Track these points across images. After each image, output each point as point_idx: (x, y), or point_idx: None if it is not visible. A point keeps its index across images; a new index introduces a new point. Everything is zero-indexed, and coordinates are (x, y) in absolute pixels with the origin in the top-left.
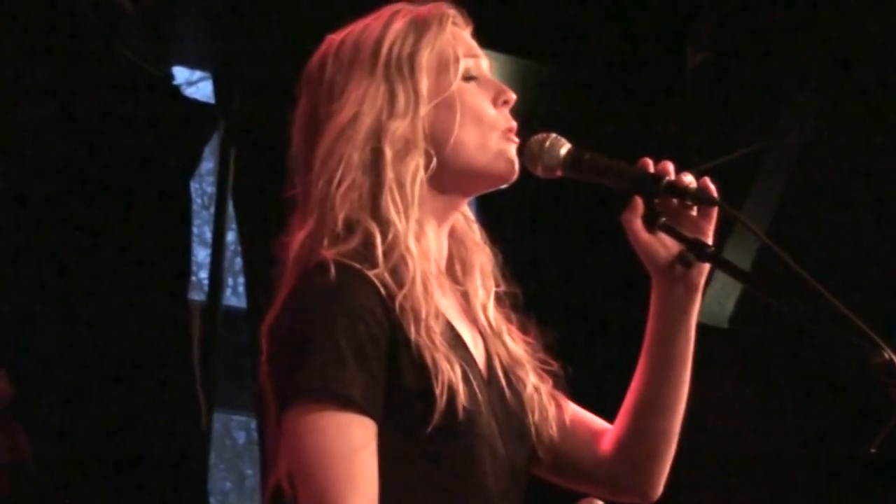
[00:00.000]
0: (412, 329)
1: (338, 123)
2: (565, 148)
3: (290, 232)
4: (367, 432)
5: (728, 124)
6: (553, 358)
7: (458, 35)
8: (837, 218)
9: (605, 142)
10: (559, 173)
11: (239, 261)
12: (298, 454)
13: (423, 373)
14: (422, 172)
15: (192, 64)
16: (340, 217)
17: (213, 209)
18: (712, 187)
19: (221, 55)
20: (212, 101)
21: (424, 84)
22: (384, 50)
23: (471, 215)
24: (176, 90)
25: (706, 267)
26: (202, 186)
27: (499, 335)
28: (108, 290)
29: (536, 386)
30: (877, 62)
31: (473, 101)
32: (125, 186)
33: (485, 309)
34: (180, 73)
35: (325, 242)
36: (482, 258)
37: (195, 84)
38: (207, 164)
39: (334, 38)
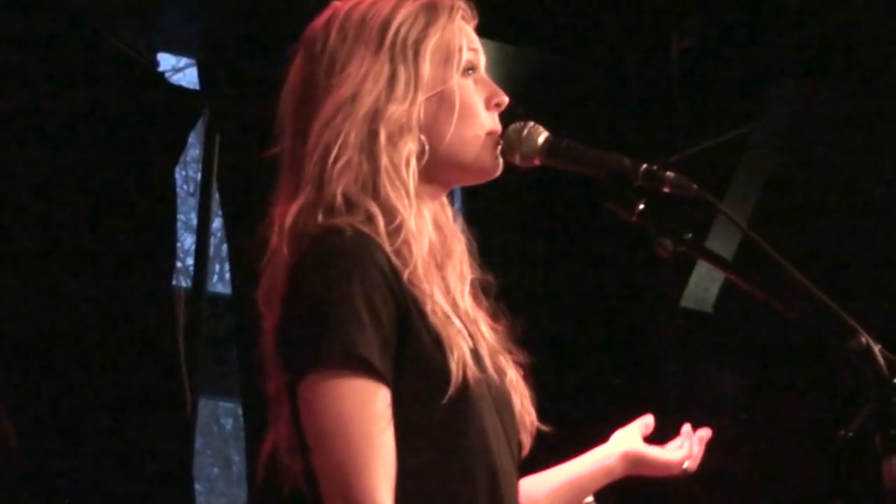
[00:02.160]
0: (424, 302)
1: (337, 99)
2: (543, 136)
3: (278, 200)
4: (384, 399)
5: (712, 110)
6: (520, 348)
7: (463, 28)
8: (821, 204)
9: (590, 127)
10: (537, 161)
11: (226, 247)
12: (318, 420)
13: (438, 346)
14: (414, 158)
15: (177, 51)
16: (339, 192)
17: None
18: None
19: (207, 42)
20: (197, 87)
21: (427, 71)
22: (392, 30)
23: (446, 201)
24: (160, 77)
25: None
26: (189, 173)
27: (475, 322)
28: (92, 276)
29: (515, 371)
30: (860, 49)
31: (469, 98)
32: (110, 173)
33: (462, 295)
34: (166, 60)
35: (320, 216)
36: (460, 245)
37: (181, 70)
38: (194, 151)
39: (340, 7)
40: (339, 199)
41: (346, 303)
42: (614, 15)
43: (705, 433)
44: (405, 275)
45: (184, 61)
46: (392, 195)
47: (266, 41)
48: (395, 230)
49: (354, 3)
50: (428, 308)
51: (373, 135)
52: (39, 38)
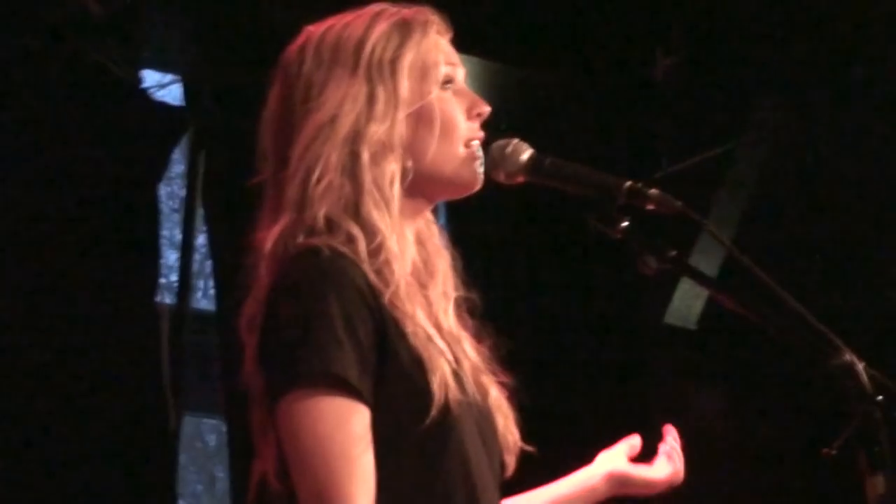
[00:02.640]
0: (405, 324)
1: (316, 123)
2: (527, 153)
3: (260, 226)
4: (363, 419)
5: (696, 128)
6: (504, 369)
7: (439, 42)
8: (805, 220)
9: (574, 144)
10: (521, 179)
11: (210, 264)
12: (296, 440)
13: (419, 367)
14: (398, 177)
15: (161, 67)
16: (321, 214)
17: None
18: None
19: (191, 58)
20: (182, 104)
21: (405, 88)
22: (367, 50)
23: (431, 217)
24: (144, 93)
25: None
26: (173, 189)
27: (458, 341)
28: (76, 293)
29: (498, 391)
30: (844, 67)
31: (449, 111)
32: (93, 188)
33: (446, 314)
34: (151, 76)
35: (301, 237)
36: (444, 262)
37: (166, 87)
38: (179, 167)
39: (314, 31)
40: (320, 220)
41: (323, 322)
42: (598, 31)
43: (674, 438)
44: (386, 296)
45: (168, 77)
46: (374, 215)
47: (251, 58)
48: (377, 250)
49: (327, 27)
50: (409, 329)
51: (354, 156)
52: (22, 53)
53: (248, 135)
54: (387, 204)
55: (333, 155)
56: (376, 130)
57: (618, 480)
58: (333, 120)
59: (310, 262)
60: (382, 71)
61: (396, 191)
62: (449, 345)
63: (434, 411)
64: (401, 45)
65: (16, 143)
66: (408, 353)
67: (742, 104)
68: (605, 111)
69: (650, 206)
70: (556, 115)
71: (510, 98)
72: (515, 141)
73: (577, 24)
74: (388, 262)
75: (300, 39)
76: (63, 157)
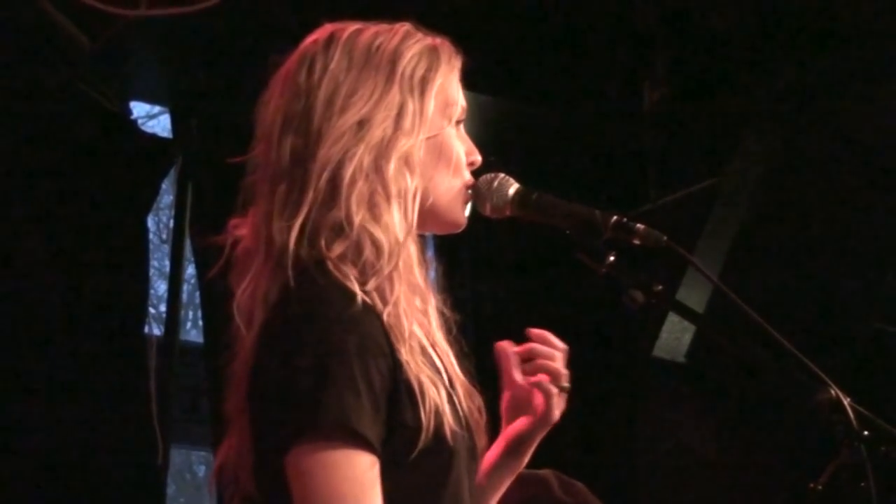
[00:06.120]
0: (401, 349)
1: (345, 123)
2: (513, 188)
3: (264, 218)
4: (375, 469)
5: (684, 160)
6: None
7: (457, 79)
8: (792, 252)
9: (562, 178)
10: (507, 213)
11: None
12: (308, 488)
13: (412, 397)
14: (420, 194)
15: (150, 98)
16: (352, 212)
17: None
18: None
19: (179, 90)
20: (171, 135)
21: (430, 110)
22: (402, 63)
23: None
24: (133, 124)
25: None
26: (163, 220)
27: (447, 354)
28: (63, 323)
29: (479, 408)
30: (831, 99)
31: (458, 149)
32: (82, 219)
33: (439, 328)
34: (141, 107)
35: (324, 241)
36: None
37: (156, 117)
38: (168, 198)
39: (339, 30)
40: (353, 217)
41: (344, 375)
42: (587, 65)
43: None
44: (384, 315)
45: (157, 108)
46: (397, 221)
47: (239, 89)
48: (388, 260)
49: (355, 29)
50: (405, 353)
51: (385, 161)
52: (11, 85)
53: (236, 166)
54: (409, 216)
55: (366, 157)
56: (405, 143)
57: (514, 441)
58: (363, 123)
59: (332, 307)
60: (414, 88)
61: (416, 206)
62: (441, 359)
63: (422, 443)
64: (431, 69)
65: (4, 174)
66: (405, 383)
67: (730, 136)
68: (593, 144)
69: (636, 241)
70: (544, 148)
71: (499, 130)
72: (502, 175)
73: (566, 58)
74: (391, 277)
75: (323, 34)
76: (52, 187)
